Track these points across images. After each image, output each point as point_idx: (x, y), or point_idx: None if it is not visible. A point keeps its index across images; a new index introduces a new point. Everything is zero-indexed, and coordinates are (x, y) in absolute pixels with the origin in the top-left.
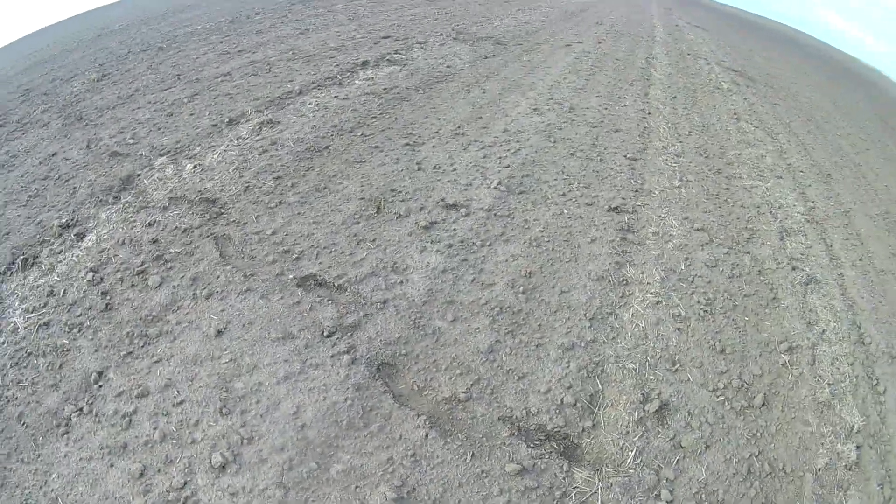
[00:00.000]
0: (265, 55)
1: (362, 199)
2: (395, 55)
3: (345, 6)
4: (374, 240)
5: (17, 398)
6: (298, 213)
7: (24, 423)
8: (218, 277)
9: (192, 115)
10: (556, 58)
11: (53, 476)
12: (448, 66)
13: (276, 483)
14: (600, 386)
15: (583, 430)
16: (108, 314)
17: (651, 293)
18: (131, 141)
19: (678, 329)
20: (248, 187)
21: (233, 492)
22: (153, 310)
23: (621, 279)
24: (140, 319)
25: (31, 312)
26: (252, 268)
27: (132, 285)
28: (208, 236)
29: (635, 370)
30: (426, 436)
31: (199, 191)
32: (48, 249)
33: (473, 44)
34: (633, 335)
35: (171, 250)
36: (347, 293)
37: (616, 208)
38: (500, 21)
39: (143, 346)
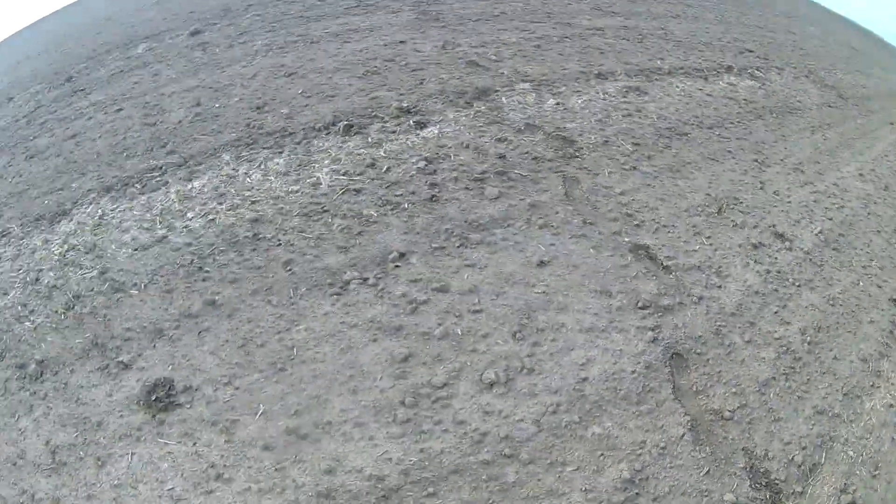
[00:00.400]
0: (637, 24)
1: (708, 195)
2: (755, 71)
3: (713, 5)
4: (708, 237)
5: (292, 245)
6: (648, 185)
7: (290, 270)
8: (557, 213)
9: (560, 55)
10: (882, 132)
11: (300, 328)
12: (799, 101)
13: (533, 420)
14: (824, 460)
15: (791, 493)
16: (431, 205)
17: (891, 394)
18: (493, 57)
19: (892, 438)
20: (606, 142)
21: (488, 411)
22: (481, 218)
23: (876, 370)
24: (465, 222)
25: (342, 175)
26: (593, 217)
27: (466, 188)
28: (558, 172)
29: (851, 459)
30: (682, 436)
31: (559, 127)
32: (379, 125)
33: (821, 88)
34: (864, 426)
35: (516, 171)
36: (672, 276)
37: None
38: (843, 75)
39: (458, 247)
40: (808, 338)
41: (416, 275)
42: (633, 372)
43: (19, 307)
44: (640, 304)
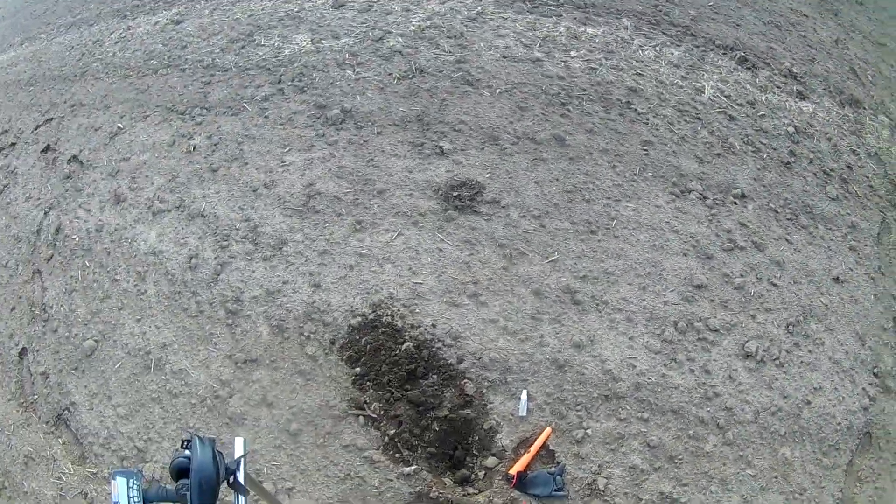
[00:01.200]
0: None
1: None
2: None
3: None
4: None
5: (657, 130)
6: None
7: (646, 151)
8: (866, 246)
9: None
10: None
11: (629, 206)
12: None
13: (755, 409)
14: None
15: None
16: (783, 169)
17: None
18: (870, 77)
19: None
20: None
21: (732, 376)
22: (815, 208)
23: None
24: (802, 202)
25: (724, 96)
26: (889, 271)
27: (814, 174)
28: (882, 211)
29: None
30: None
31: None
32: (767, 75)
33: None
34: None
35: (855, 188)
36: None
37: None
38: None
39: (788, 219)
40: None
41: (745, 219)
42: (839, 424)
43: (347, 54)
44: (876, 371)
